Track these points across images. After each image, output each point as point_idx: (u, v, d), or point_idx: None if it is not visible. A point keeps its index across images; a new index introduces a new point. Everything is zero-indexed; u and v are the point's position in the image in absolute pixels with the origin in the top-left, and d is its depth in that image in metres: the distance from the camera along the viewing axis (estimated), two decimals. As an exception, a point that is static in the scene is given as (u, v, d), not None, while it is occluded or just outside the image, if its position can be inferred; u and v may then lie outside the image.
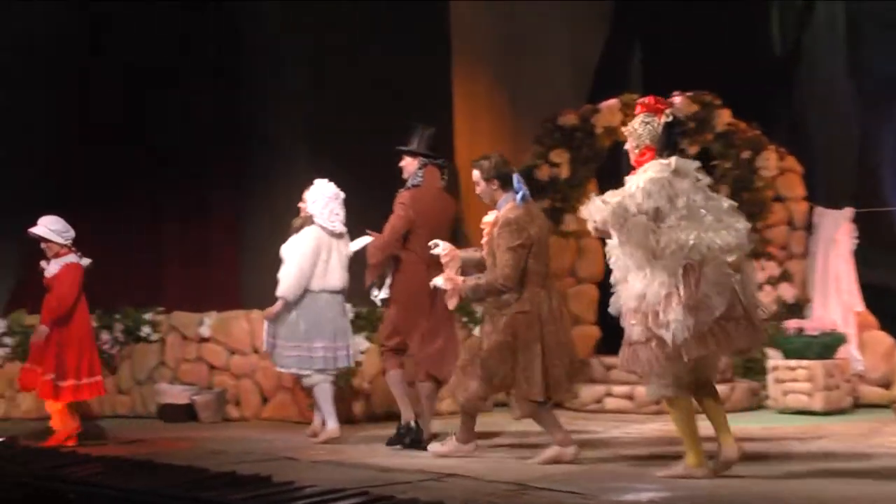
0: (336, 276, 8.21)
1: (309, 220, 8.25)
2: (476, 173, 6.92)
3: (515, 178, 6.90)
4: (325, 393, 8.18)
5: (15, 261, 10.98)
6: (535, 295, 6.70)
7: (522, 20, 12.17)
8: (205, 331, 10.18)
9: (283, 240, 8.33)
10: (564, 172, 10.91)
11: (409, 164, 7.78)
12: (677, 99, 10.47)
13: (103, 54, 10.99)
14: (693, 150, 10.40)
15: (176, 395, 9.94)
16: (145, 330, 10.45)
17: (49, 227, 8.51)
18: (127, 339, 10.56)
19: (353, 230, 8.21)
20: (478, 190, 6.94)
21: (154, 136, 10.84)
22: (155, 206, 10.87)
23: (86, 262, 8.57)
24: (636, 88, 11.08)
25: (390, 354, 7.77)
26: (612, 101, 10.83)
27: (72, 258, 8.51)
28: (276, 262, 8.29)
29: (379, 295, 7.78)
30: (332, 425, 8.12)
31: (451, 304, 6.95)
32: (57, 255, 8.51)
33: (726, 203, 6.18)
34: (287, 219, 8.67)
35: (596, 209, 6.06)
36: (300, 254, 8.13)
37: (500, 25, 12.04)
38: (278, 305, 8.14)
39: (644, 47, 11.79)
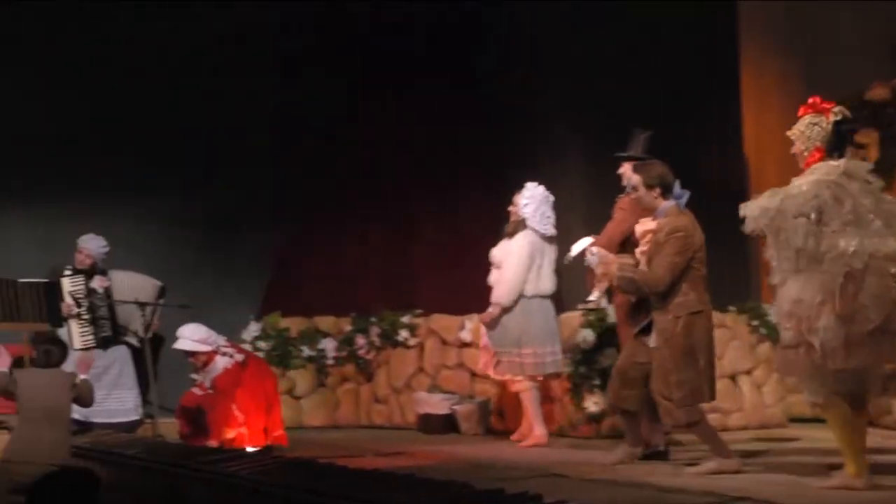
0: (548, 280, 8.89)
1: (521, 225, 8.86)
2: (638, 178, 7.32)
3: (677, 185, 7.31)
4: (532, 399, 8.82)
5: (269, 261, 11.47)
6: (703, 296, 7.17)
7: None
8: (466, 335, 10.27)
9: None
10: (873, 154, 10.42)
11: (627, 170, 8.11)
12: None
13: (356, 47, 11.35)
14: None
15: (435, 404, 10.10)
16: (403, 334, 10.67)
17: (192, 339, 8.82)
18: (383, 344, 10.80)
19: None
20: (634, 195, 7.40)
21: (407, 133, 11.07)
22: (411, 204, 11.09)
23: (239, 357, 8.88)
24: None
25: None
26: (930, 71, 10.29)
27: (222, 363, 8.81)
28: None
29: (593, 298, 8.28)
30: (540, 431, 8.76)
31: (599, 287, 7.59)
32: (206, 364, 8.84)
33: None
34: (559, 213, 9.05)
35: (753, 210, 6.30)
36: (517, 260, 8.77)
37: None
38: (496, 311, 8.82)
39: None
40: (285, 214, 11.43)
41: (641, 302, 7.38)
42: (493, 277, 9.04)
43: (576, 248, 8.18)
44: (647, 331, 7.37)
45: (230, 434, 8.69)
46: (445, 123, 10.90)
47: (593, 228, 8.48)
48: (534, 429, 8.84)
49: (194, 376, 9.03)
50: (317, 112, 11.34)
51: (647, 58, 10.15)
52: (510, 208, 9.02)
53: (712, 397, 7.27)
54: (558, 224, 9.09)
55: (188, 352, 8.87)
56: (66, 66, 10.87)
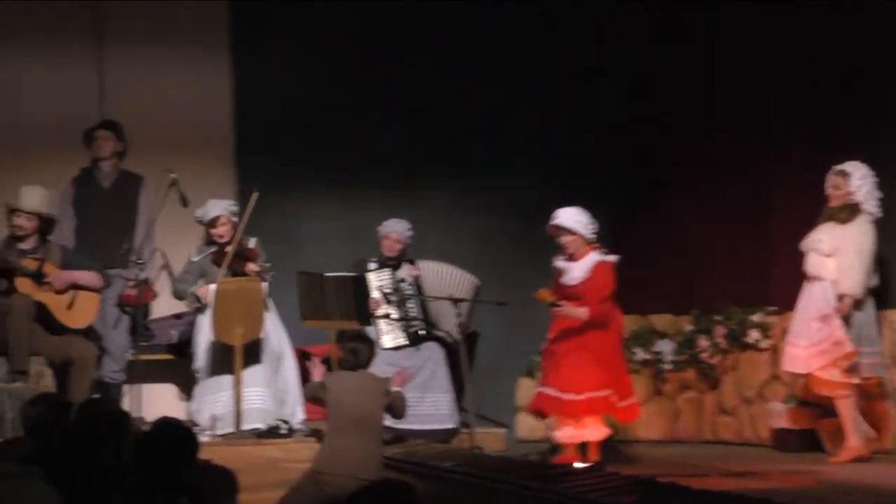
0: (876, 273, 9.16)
1: (856, 208, 9.13)
2: None
3: None
4: (853, 405, 9.05)
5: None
6: None
7: None
8: (829, 336, 10.01)
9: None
10: None
11: None
12: None
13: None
14: None
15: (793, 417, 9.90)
16: (753, 335, 10.49)
17: (575, 218, 8.80)
18: (731, 347, 10.68)
19: None
20: None
21: (762, 114, 10.88)
22: (764, 187, 10.89)
23: (612, 258, 8.88)
24: None
25: None
26: None
27: (597, 256, 8.81)
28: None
29: None
30: (856, 441, 8.96)
31: None
32: (578, 257, 8.82)
33: None
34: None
35: None
36: (866, 248, 9.07)
37: None
38: (849, 302, 9.01)
39: None
40: (612, 200, 11.38)
41: None
42: (819, 266, 9.16)
43: None
44: None
45: (601, 427, 8.77)
46: (807, 103, 10.62)
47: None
48: (850, 439, 8.97)
49: (558, 264, 8.96)
50: (656, 90, 11.40)
51: None
52: (829, 191, 9.24)
53: None
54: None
55: (565, 230, 8.82)
56: (371, 49, 11.29)
